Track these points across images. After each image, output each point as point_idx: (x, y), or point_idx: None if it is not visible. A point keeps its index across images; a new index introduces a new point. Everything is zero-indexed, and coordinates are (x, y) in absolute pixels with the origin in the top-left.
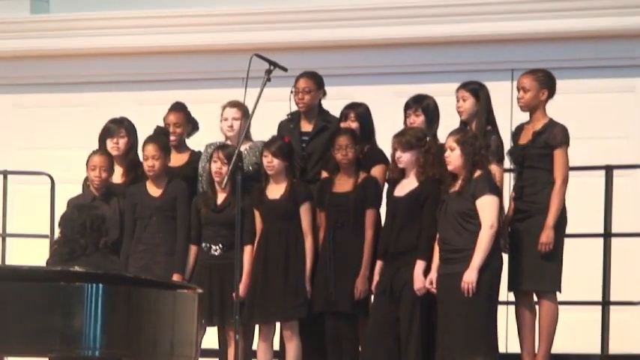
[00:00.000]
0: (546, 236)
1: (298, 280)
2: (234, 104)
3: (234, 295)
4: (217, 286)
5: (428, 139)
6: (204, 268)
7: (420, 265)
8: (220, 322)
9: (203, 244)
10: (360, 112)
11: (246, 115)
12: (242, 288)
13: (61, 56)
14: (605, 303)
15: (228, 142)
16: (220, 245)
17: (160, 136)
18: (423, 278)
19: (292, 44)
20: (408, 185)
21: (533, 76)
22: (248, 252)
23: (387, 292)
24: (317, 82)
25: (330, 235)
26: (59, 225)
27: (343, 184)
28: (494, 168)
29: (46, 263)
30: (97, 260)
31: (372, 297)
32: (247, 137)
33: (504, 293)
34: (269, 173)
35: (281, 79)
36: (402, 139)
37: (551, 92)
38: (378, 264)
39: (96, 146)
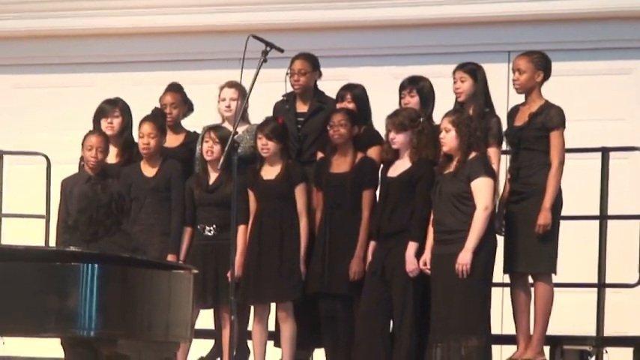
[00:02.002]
0: (544, 218)
1: (293, 261)
2: (231, 84)
3: (229, 275)
4: (212, 267)
5: (421, 119)
6: (199, 249)
7: (411, 246)
8: (215, 303)
9: (198, 226)
10: (357, 93)
11: (243, 95)
12: (236, 268)
13: (58, 37)
14: (601, 285)
15: (226, 123)
16: (214, 226)
17: (156, 116)
18: (414, 260)
19: (288, 25)
20: (401, 166)
21: (529, 58)
22: (242, 232)
23: (379, 273)
24: (312, 63)
25: (327, 216)
26: (79, 202)
27: (340, 165)
28: (492, 150)
29: (61, 242)
30: (120, 240)
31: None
32: (245, 119)
33: (500, 275)
34: (264, 155)
35: (277, 61)
36: (396, 120)
37: (547, 74)
38: (372, 244)
39: (92, 127)
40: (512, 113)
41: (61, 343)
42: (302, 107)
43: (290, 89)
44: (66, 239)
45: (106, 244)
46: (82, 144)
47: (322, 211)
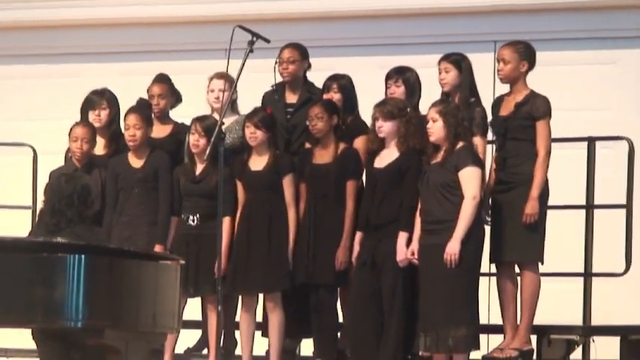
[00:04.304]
0: (531, 207)
1: (281, 251)
2: (220, 76)
3: (215, 266)
4: (193, 257)
5: (409, 109)
6: (182, 239)
7: (402, 236)
8: (196, 293)
9: (182, 215)
10: (343, 83)
11: (232, 86)
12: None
13: (45, 27)
14: (588, 274)
15: (215, 114)
16: (198, 215)
17: (142, 107)
18: (405, 250)
19: (275, 15)
20: (388, 156)
21: (513, 48)
22: (227, 223)
23: (369, 264)
24: (301, 52)
25: (311, 207)
26: (45, 194)
27: (323, 156)
28: (478, 140)
29: (30, 233)
30: (81, 231)
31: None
32: (234, 110)
33: (486, 265)
34: (251, 144)
35: (265, 51)
36: (384, 109)
37: (531, 64)
38: (358, 235)
39: (79, 117)
40: (497, 103)
41: (33, 337)
42: (291, 98)
43: (279, 80)
44: (33, 230)
45: (66, 235)
46: (68, 135)
47: (306, 202)
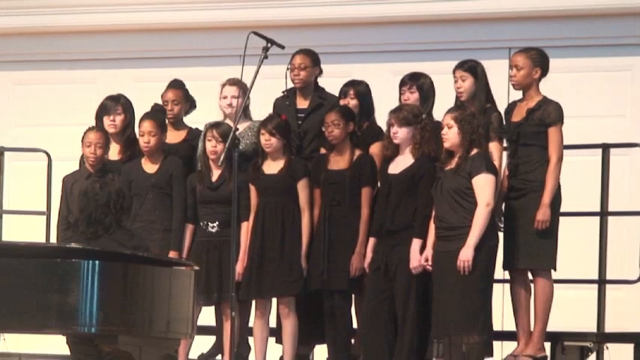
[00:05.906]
0: (542, 214)
1: (294, 256)
2: (233, 82)
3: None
4: (215, 264)
5: (424, 116)
6: (202, 246)
7: (416, 243)
8: (219, 299)
9: (200, 222)
10: (360, 89)
11: (244, 93)
12: (239, 264)
13: (60, 33)
14: (601, 281)
15: (227, 120)
16: (217, 222)
17: (156, 113)
18: (419, 256)
19: (290, 22)
20: (403, 162)
21: (526, 55)
22: (244, 228)
23: (382, 270)
24: (313, 59)
25: (326, 213)
26: (81, 201)
27: (338, 162)
28: (494, 145)
29: (62, 240)
30: (120, 237)
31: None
32: (247, 116)
33: (500, 271)
34: (267, 151)
35: (278, 57)
36: (400, 115)
37: (544, 71)
38: (371, 241)
39: (93, 123)
40: (510, 109)
41: (67, 342)
42: (302, 103)
43: (291, 85)
44: (68, 236)
45: (105, 241)
46: (82, 141)
47: (320, 208)
